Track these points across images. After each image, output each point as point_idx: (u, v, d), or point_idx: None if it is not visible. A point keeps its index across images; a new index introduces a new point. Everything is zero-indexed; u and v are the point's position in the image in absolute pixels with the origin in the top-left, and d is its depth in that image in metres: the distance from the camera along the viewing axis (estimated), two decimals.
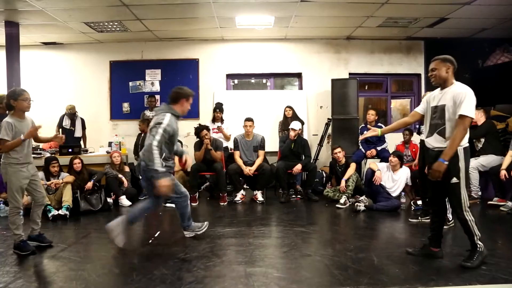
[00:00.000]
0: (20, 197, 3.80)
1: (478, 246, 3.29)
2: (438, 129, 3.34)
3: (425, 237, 3.75)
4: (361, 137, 3.96)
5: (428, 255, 3.51)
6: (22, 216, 3.83)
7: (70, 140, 7.23)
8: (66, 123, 7.36)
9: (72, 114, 7.36)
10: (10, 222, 3.79)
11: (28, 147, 3.88)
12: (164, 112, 3.84)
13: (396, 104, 8.93)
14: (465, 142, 3.25)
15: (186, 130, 7.99)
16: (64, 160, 6.07)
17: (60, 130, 7.38)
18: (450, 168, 3.21)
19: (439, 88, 3.42)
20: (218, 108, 7.05)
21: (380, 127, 6.92)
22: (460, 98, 3.17)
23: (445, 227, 4.43)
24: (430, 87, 7.93)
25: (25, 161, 3.81)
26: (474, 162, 5.78)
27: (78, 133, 7.43)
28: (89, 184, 5.76)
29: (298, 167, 6.33)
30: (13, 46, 6.78)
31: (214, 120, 7.07)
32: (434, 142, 3.38)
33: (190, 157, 4.03)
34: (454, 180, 3.24)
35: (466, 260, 3.29)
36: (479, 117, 5.99)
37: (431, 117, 3.44)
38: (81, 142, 7.47)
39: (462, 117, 3.14)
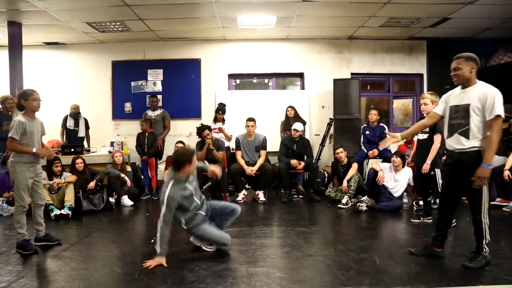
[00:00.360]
0: (27, 196, 3.84)
1: (484, 250, 3.27)
2: (460, 130, 3.23)
3: (427, 237, 3.76)
4: (381, 145, 3.89)
5: (430, 255, 3.50)
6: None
7: (74, 140, 7.27)
8: (70, 123, 7.35)
9: (76, 114, 7.36)
10: (14, 221, 3.81)
11: (38, 147, 3.93)
12: (168, 181, 3.62)
13: (398, 104, 8.90)
14: None
15: (188, 130, 8.02)
16: (66, 160, 6.08)
17: (65, 131, 7.40)
18: (468, 169, 3.14)
19: (459, 87, 3.33)
20: (221, 109, 7.03)
21: (383, 127, 6.93)
22: (490, 99, 3.08)
23: None
24: (432, 87, 7.94)
25: (33, 160, 3.88)
26: None
27: (81, 133, 7.44)
28: (92, 184, 5.76)
29: (301, 164, 6.33)
30: (15, 46, 6.79)
31: (215, 120, 7.07)
32: (455, 143, 3.27)
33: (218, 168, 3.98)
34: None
35: (469, 261, 3.28)
36: None
37: (451, 117, 3.32)
38: (85, 142, 7.48)
39: (497, 117, 3.05)
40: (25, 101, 3.83)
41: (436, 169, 4.69)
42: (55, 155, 3.82)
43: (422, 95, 4.72)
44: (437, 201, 5.36)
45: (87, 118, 7.60)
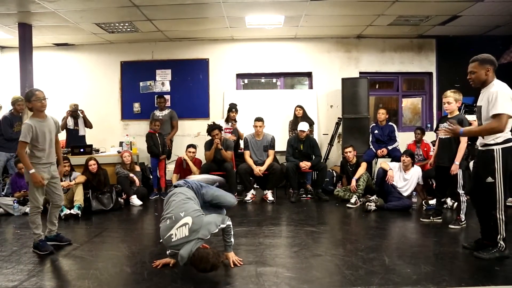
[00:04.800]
0: (41, 197, 3.86)
1: (500, 245, 3.35)
2: None
3: (437, 237, 3.86)
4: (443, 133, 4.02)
5: (481, 246, 3.53)
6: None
7: (76, 140, 7.17)
8: (70, 124, 7.23)
9: (75, 112, 7.24)
10: (30, 221, 3.83)
11: (50, 147, 3.90)
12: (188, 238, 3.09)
13: (407, 103, 8.84)
14: (505, 142, 3.26)
15: (196, 130, 8.04)
16: (75, 160, 6.12)
17: (65, 131, 7.34)
18: (483, 168, 3.36)
19: None
20: (233, 107, 7.00)
21: (391, 126, 6.87)
22: (492, 97, 3.18)
23: (457, 227, 4.43)
24: (442, 86, 7.86)
25: (47, 161, 3.87)
26: None
27: (82, 131, 7.35)
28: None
29: (307, 164, 6.32)
30: (26, 48, 6.86)
31: (228, 120, 7.05)
32: (479, 142, 3.47)
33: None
34: (489, 179, 3.31)
35: (481, 251, 3.35)
36: None
37: (476, 117, 3.54)
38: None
39: (495, 116, 3.15)
40: (29, 103, 3.80)
41: (459, 170, 4.53)
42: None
43: (444, 93, 4.59)
44: (448, 200, 5.35)
45: (96, 118, 7.55)
